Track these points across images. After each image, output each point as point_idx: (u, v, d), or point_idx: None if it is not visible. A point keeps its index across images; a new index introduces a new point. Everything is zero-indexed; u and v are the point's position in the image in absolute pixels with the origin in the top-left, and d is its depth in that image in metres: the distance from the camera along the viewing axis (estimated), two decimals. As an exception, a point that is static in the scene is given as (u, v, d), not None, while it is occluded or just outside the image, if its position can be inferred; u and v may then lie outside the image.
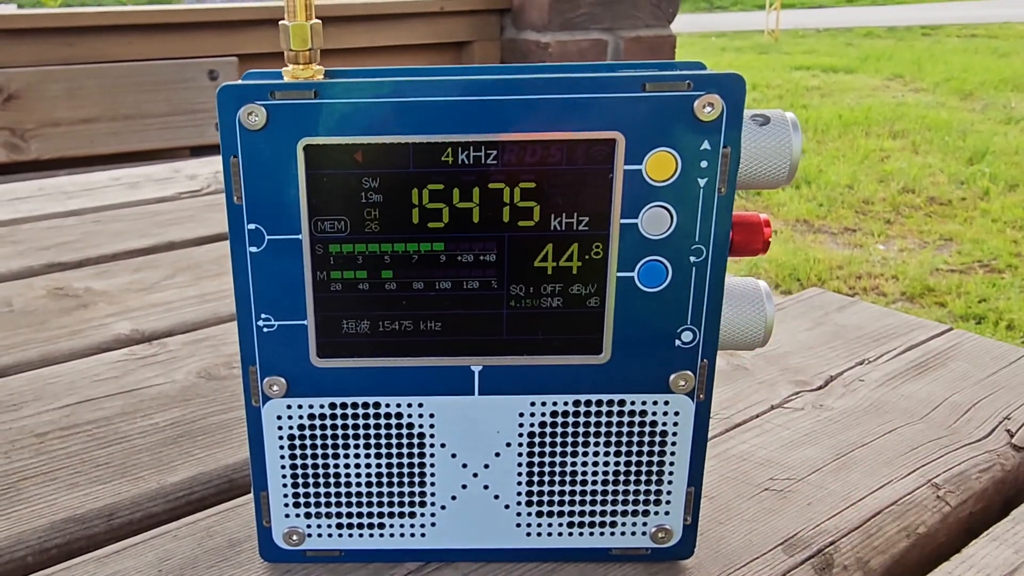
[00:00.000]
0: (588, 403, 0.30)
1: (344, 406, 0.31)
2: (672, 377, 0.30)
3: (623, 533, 0.33)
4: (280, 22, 0.27)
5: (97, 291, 0.68)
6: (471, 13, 2.00)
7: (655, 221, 0.27)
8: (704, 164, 0.27)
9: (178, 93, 1.86)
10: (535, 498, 0.32)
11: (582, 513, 0.32)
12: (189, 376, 0.52)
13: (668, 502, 0.32)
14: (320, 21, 0.27)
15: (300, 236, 0.28)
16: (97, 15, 1.77)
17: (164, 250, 0.79)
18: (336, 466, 0.32)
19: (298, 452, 0.31)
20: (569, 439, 0.31)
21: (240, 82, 0.27)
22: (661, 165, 0.27)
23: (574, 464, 0.31)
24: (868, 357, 0.47)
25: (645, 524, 0.32)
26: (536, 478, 0.32)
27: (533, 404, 0.31)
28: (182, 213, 0.92)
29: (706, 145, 0.26)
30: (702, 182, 0.27)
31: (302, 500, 0.32)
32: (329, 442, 0.31)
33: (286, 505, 0.32)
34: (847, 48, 8.99)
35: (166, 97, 1.86)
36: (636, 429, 0.31)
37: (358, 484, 0.32)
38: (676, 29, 1.94)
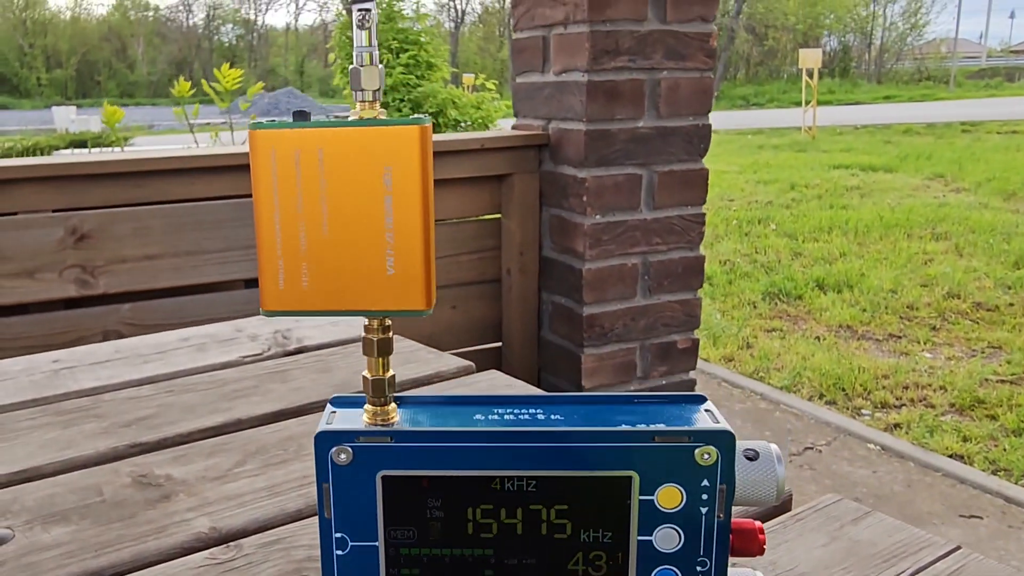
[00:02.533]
0: (618, 674, 0.36)
1: (410, 672, 0.37)
2: (685, 661, 0.35)
3: None
4: (363, 373, 0.34)
5: (177, 479, 0.75)
6: (510, 149, 2.11)
7: (666, 539, 0.33)
8: (705, 497, 0.33)
9: (235, 230, 1.97)
10: None
11: None
12: (265, 584, 0.58)
13: None
14: (394, 374, 0.34)
15: (377, 543, 0.35)
16: (163, 160, 1.90)
17: (233, 429, 0.87)
18: None
19: None
20: None
21: (334, 428, 0.34)
22: (670, 496, 0.33)
23: None
24: (879, 579, 0.52)
25: None
26: None
27: (569, 674, 0.36)
28: (247, 382, 1.00)
29: (706, 483, 0.33)
30: (704, 510, 0.33)
31: None
32: None
33: None
34: (886, 146, 9.07)
35: (224, 234, 1.97)
36: None
37: None
38: (713, 126, 2.01)
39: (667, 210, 2.01)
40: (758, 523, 0.34)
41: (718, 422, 0.33)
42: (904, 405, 3.09)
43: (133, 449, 0.82)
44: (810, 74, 10.22)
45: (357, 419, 0.34)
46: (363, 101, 0.31)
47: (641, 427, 0.32)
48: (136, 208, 1.90)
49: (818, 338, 3.84)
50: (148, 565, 0.61)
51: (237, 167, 1.93)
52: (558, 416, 0.34)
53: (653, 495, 0.33)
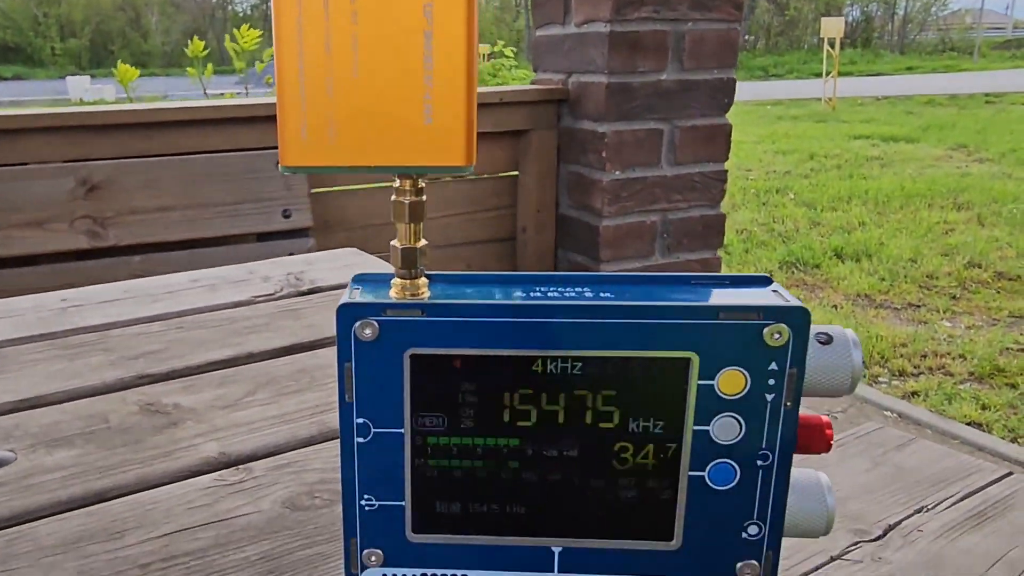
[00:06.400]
0: (661, 584, 0.33)
1: (435, 578, 0.34)
2: (739, 565, 0.32)
3: None
4: (391, 242, 0.31)
5: (185, 408, 0.72)
6: (529, 104, 2.06)
7: (725, 429, 0.30)
8: (772, 382, 0.29)
9: (247, 183, 1.94)
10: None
11: None
12: (275, 506, 0.55)
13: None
14: (427, 242, 0.31)
15: (402, 430, 0.31)
16: (174, 111, 1.87)
17: (244, 362, 0.84)
18: (426, 634, 0.34)
19: (392, 620, 0.34)
20: (643, 617, 0.33)
21: (358, 300, 0.30)
22: (732, 381, 0.29)
23: (648, 640, 0.34)
24: (927, 504, 0.49)
25: None
26: (612, 651, 0.34)
27: (610, 583, 0.33)
28: (258, 320, 0.97)
29: (774, 366, 0.29)
30: (770, 397, 0.29)
31: (394, 662, 0.35)
32: (421, 612, 0.34)
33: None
34: (907, 116, 8.93)
35: (236, 187, 1.94)
36: (707, 610, 0.33)
37: (446, 651, 0.34)
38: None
39: (688, 166, 1.96)
40: (825, 417, 0.31)
41: (788, 301, 0.29)
42: (922, 373, 3.05)
43: (141, 380, 0.80)
44: (831, 44, 10.06)
45: (384, 294, 0.31)
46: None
47: (702, 300, 0.29)
48: (147, 160, 1.86)
49: (835, 307, 3.79)
50: (153, 487, 0.58)
51: (250, 119, 1.90)
52: (608, 294, 0.30)
53: (714, 379, 0.29)
